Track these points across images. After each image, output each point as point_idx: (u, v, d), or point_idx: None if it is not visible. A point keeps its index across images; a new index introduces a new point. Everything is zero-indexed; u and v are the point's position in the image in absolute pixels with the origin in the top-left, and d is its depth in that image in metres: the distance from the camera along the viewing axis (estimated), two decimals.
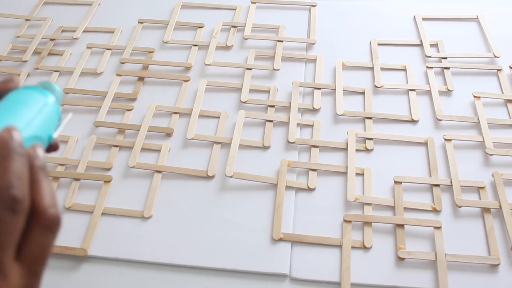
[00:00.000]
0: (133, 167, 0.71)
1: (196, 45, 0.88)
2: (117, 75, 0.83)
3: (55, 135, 0.40)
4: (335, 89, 0.80)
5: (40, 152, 0.32)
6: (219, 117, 0.77)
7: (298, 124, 0.75)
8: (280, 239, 0.63)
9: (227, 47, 0.88)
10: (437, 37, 0.88)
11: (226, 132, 0.75)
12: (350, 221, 0.64)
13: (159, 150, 0.73)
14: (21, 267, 0.29)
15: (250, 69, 0.83)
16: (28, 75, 0.85)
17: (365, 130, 0.75)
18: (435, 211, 0.65)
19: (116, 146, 0.74)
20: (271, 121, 0.76)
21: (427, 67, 0.83)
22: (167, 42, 0.89)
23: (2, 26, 0.95)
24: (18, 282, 0.28)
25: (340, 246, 0.62)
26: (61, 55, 0.88)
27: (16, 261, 0.29)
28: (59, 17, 0.95)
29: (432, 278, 0.59)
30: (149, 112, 0.77)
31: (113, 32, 0.92)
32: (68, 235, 0.64)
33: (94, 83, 0.83)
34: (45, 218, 0.30)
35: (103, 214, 0.66)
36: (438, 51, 0.86)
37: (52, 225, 0.31)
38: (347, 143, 0.72)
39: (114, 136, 0.75)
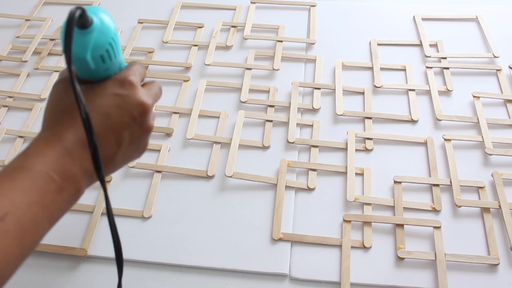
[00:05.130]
0: (133, 167, 0.71)
1: (196, 45, 0.88)
2: None
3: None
4: (334, 89, 0.80)
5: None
6: (219, 117, 0.77)
7: (297, 124, 0.76)
8: (280, 239, 0.63)
9: (227, 47, 0.88)
10: (436, 37, 0.88)
11: (226, 132, 0.75)
12: (349, 221, 0.64)
13: (159, 150, 0.73)
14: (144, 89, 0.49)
15: (250, 69, 0.83)
16: (28, 75, 0.85)
17: (364, 130, 0.75)
18: (435, 211, 0.65)
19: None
20: (271, 121, 0.76)
21: (427, 67, 0.83)
22: (167, 42, 0.89)
23: (2, 26, 0.95)
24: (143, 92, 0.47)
25: (340, 246, 0.62)
26: (61, 55, 0.88)
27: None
28: (59, 17, 0.95)
29: (432, 278, 0.59)
30: None
31: None
32: (68, 235, 0.64)
33: None
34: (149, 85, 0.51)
35: (103, 214, 0.66)
36: (438, 51, 0.86)
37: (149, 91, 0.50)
38: (346, 143, 0.72)
39: None
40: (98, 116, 0.43)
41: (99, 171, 0.42)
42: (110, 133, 0.44)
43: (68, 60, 0.39)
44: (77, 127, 0.42)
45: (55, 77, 0.84)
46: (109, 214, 0.44)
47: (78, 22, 0.40)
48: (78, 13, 0.39)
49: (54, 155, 0.41)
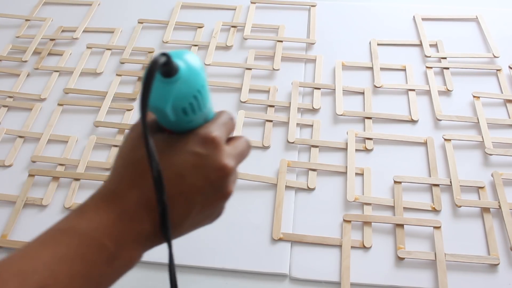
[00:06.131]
0: None
1: (196, 45, 0.88)
2: (117, 75, 0.83)
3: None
4: (334, 89, 0.80)
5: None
6: None
7: (298, 124, 0.76)
8: (280, 239, 0.63)
9: (227, 47, 0.88)
10: (436, 37, 0.88)
11: None
12: (349, 221, 0.64)
13: None
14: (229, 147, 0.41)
15: (250, 69, 0.83)
16: (28, 75, 0.85)
17: (364, 130, 0.75)
18: (435, 211, 0.65)
19: (116, 146, 0.74)
20: (271, 121, 0.76)
21: (427, 67, 0.83)
22: (167, 42, 0.89)
23: (2, 26, 0.95)
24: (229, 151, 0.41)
25: (340, 246, 0.62)
26: (61, 55, 0.88)
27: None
28: (59, 17, 0.95)
29: (432, 278, 0.59)
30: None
31: (113, 32, 0.92)
32: None
33: (94, 83, 0.83)
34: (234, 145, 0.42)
35: None
36: (438, 51, 0.86)
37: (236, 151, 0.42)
38: (346, 143, 0.72)
39: (114, 136, 0.75)
40: (171, 176, 0.38)
41: (167, 234, 0.37)
42: (181, 197, 0.38)
43: (143, 113, 0.34)
44: (144, 186, 0.37)
45: (55, 77, 0.84)
46: (172, 274, 0.40)
47: (162, 69, 0.35)
48: (162, 60, 0.34)
49: (110, 218, 0.36)
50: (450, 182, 0.67)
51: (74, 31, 0.92)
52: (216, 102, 0.80)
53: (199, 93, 0.38)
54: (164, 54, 0.34)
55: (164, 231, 0.38)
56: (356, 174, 0.69)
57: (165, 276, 0.60)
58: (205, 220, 0.43)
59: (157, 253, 0.63)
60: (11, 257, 0.34)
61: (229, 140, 0.42)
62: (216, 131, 0.40)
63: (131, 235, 0.37)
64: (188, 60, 0.37)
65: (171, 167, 0.38)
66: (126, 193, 0.37)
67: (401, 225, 0.64)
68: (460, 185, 0.67)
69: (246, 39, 0.89)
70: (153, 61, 0.33)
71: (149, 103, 0.34)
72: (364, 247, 0.62)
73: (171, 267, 0.40)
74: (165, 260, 0.41)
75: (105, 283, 0.36)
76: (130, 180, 0.38)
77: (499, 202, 0.65)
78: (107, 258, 0.35)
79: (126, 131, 0.74)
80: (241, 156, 0.43)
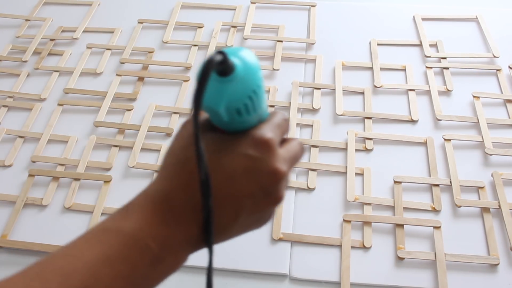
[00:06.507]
0: (133, 167, 0.71)
1: (196, 45, 0.88)
2: (117, 75, 0.83)
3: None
4: (334, 89, 0.80)
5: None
6: None
7: (297, 124, 0.76)
8: (280, 239, 0.63)
9: (227, 47, 0.88)
10: (436, 37, 0.88)
11: None
12: (349, 221, 0.64)
13: (159, 150, 0.73)
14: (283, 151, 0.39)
15: None
16: (28, 75, 0.85)
17: (364, 130, 0.75)
18: (435, 211, 0.65)
19: (116, 146, 0.74)
20: None
21: (427, 67, 0.83)
22: (167, 42, 0.89)
23: (2, 26, 0.95)
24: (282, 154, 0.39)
25: (340, 246, 0.62)
26: (61, 55, 0.88)
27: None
28: (59, 17, 0.95)
29: (432, 278, 0.59)
30: (149, 112, 0.77)
31: (113, 32, 0.92)
32: (68, 235, 0.64)
33: (94, 83, 0.83)
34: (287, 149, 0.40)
35: (103, 214, 0.66)
36: (438, 51, 0.86)
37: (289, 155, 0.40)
38: (346, 143, 0.72)
39: (114, 136, 0.75)
40: (221, 178, 0.36)
41: (209, 239, 0.36)
42: (230, 200, 0.37)
43: (196, 113, 0.32)
44: (193, 187, 0.36)
45: (55, 77, 0.84)
46: (209, 280, 0.38)
47: (218, 68, 0.34)
48: (218, 58, 0.32)
49: (156, 219, 0.35)
50: (450, 182, 0.67)
51: (74, 31, 0.92)
52: None
53: (255, 93, 0.36)
54: (220, 52, 0.33)
55: (207, 236, 0.36)
56: (356, 174, 0.69)
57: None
58: (253, 225, 0.41)
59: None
60: (53, 255, 0.34)
61: (282, 142, 0.40)
62: (270, 133, 0.38)
63: (176, 238, 0.36)
64: (245, 58, 0.35)
65: (221, 169, 0.36)
66: (173, 194, 0.36)
67: (401, 225, 0.64)
68: (460, 185, 0.67)
69: (246, 39, 0.89)
70: (209, 60, 0.32)
71: (202, 102, 0.32)
72: (364, 247, 0.62)
73: (209, 274, 0.38)
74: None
75: (147, 286, 0.36)
76: (179, 180, 0.37)
77: (499, 202, 0.65)
78: (150, 260, 0.34)
79: (126, 131, 0.75)
80: (294, 159, 0.41)
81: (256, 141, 0.37)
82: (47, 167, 0.72)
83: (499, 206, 0.65)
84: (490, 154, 0.71)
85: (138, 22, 0.93)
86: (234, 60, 0.34)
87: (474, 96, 0.78)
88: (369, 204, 0.66)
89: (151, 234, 0.35)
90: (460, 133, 0.74)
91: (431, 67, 0.83)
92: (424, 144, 0.73)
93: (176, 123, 0.76)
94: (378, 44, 0.88)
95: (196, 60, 0.86)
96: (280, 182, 0.38)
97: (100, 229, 0.35)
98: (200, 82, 0.31)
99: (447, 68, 0.83)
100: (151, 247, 0.34)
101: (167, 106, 0.79)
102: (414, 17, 0.93)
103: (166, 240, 0.35)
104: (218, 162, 0.36)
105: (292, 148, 0.41)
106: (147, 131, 0.75)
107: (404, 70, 0.83)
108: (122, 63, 0.86)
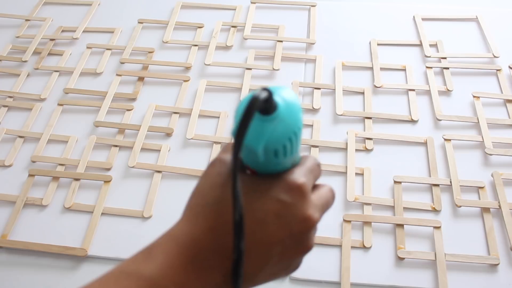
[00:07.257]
0: (133, 167, 0.71)
1: (196, 45, 0.88)
2: (117, 75, 0.83)
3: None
4: (334, 89, 0.80)
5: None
6: (219, 117, 0.77)
7: None
8: None
9: (227, 47, 0.88)
10: (436, 37, 0.88)
11: (226, 132, 0.75)
12: (349, 221, 0.64)
13: (159, 150, 0.73)
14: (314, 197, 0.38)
15: (250, 69, 0.83)
16: (28, 75, 0.85)
17: (364, 130, 0.75)
18: (435, 211, 0.65)
19: (116, 146, 0.74)
20: None
21: (427, 67, 0.83)
22: (167, 42, 0.89)
23: (2, 26, 0.95)
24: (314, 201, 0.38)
25: (340, 246, 0.62)
26: (61, 55, 0.88)
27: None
28: (59, 17, 0.95)
29: (432, 278, 0.59)
30: (149, 112, 0.77)
31: (113, 32, 0.92)
32: (68, 235, 0.64)
33: (94, 83, 0.83)
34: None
35: (103, 214, 0.66)
36: (438, 51, 0.86)
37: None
38: (346, 143, 0.72)
39: (114, 136, 0.75)
40: (251, 222, 0.34)
41: (237, 283, 0.34)
42: (259, 246, 0.35)
43: (236, 152, 0.31)
44: (221, 230, 0.34)
45: (55, 77, 0.84)
46: None
47: (261, 105, 0.32)
48: (263, 95, 0.31)
49: (180, 264, 0.34)
50: (450, 182, 0.67)
51: (74, 31, 0.92)
52: (216, 102, 0.80)
53: (295, 135, 0.34)
54: (265, 89, 0.31)
55: (235, 281, 0.34)
56: (356, 174, 0.69)
57: None
58: (280, 272, 0.39)
59: None
60: None
61: (314, 187, 0.39)
62: (303, 177, 0.37)
63: (198, 284, 0.34)
64: (287, 98, 0.34)
65: (252, 213, 0.34)
66: (200, 237, 0.35)
67: (401, 225, 0.64)
68: (460, 185, 0.67)
69: (246, 39, 0.89)
70: (254, 97, 0.30)
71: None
72: (364, 247, 0.62)
73: None
74: None
75: None
76: (207, 221, 0.35)
77: (499, 202, 0.65)
78: None
79: (126, 131, 0.75)
80: (326, 206, 0.40)
81: (289, 185, 0.36)
82: (47, 167, 0.72)
83: (499, 206, 0.65)
84: (490, 154, 0.71)
85: (138, 22, 0.93)
86: (277, 98, 0.33)
87: (474, 96, 0.78)
88: (369, 204, 0.66)
89: (173, 280, 0.33)
90: (460, 133, 0.74)
91: (431, 67, 0.83)
92: (424, 144, 0.73)
93: (176, 123, 0.76)
94: (378, 44, 0.87)
95: (197, 60, 0.86)
96: (311, 230, 0.37)
97: (120, 272, 0.34)
98: (244, 119, 0.30)
99: (447, 68, 0.83)
100: None
101: (167, 106, 0.79)
102: (414, 17, 0.93)
103: (187, 287, 0.34)
104: (248, 205, 0.34)
105: (324, 194, 0.40)
106: (147, 131, 0.75)
107: (404, 70, 0.83)
108: (122, 63, 0.86)
